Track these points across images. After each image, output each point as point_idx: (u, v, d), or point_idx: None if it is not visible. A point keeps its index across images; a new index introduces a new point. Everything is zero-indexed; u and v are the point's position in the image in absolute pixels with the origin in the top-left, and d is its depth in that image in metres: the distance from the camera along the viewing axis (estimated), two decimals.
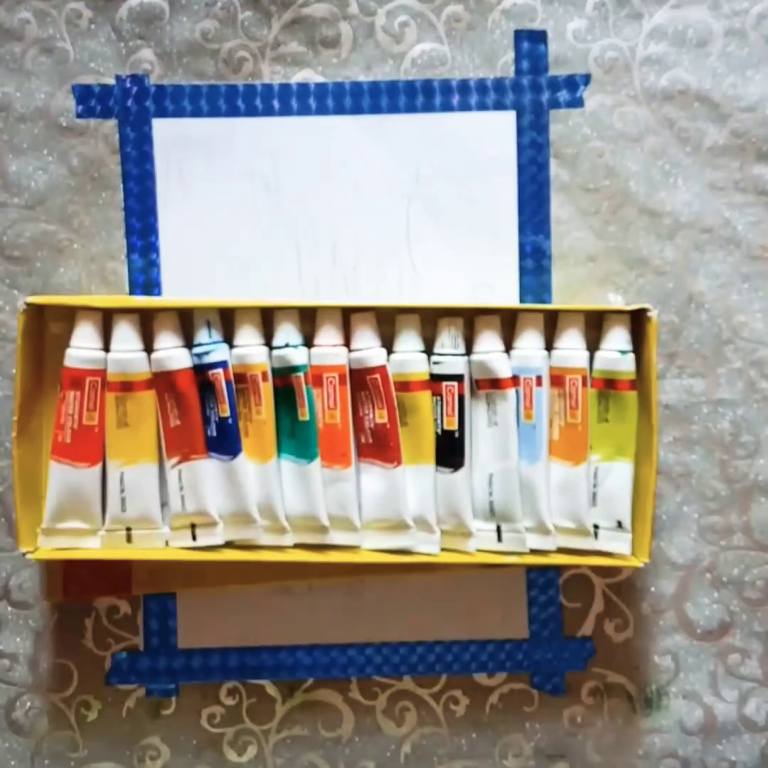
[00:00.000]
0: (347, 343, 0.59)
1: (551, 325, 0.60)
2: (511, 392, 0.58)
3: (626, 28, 0.61)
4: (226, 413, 0.58)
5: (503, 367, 0.58)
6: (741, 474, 0.63)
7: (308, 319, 0.59)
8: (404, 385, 0.58)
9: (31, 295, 0.60)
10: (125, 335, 0.58)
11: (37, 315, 0.59)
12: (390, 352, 0.59)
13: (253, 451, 0.59)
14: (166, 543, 0.59)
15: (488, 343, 0.59)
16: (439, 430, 0.59)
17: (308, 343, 0.59)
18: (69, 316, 0.58)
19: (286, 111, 0.61)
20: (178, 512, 0.58)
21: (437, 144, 0.61)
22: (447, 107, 0.61)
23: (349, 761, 0.64)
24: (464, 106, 0.61)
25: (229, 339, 0.59)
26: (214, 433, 0.59)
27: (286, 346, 0.58)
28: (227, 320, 0.59)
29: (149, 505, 0.59)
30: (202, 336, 0.58)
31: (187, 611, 0.63)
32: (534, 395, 0.58)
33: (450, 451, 0.59)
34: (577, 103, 0.61)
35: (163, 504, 0.59)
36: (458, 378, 0.58)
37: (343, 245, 0.62)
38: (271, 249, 0.62)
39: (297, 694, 0.63)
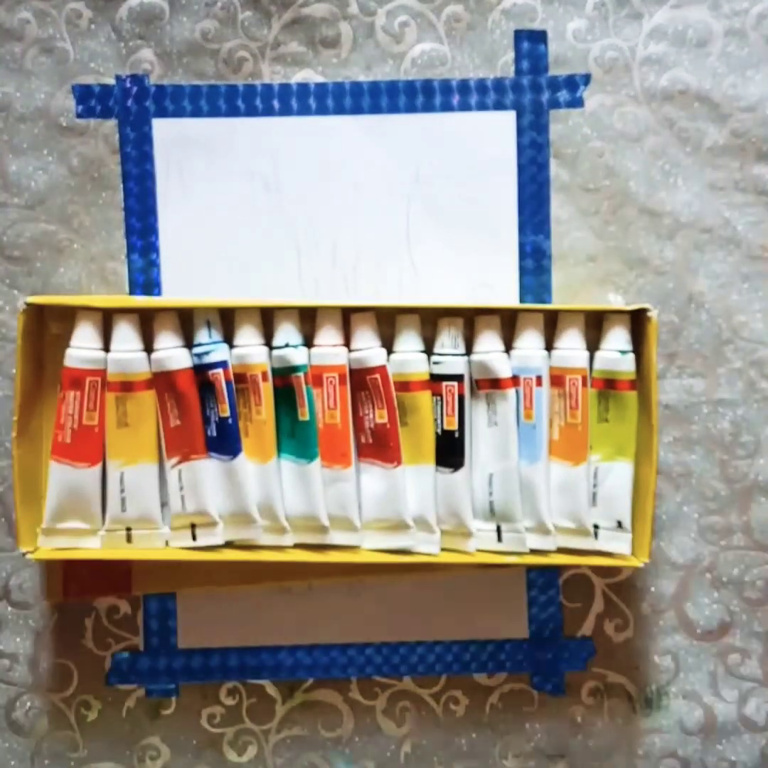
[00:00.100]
0: (347, 343, 0.59)
1: (551, 325, 0.60)
2: (511, 392, 0.58)
3: (626, 28, 0.61)
4: (226, 413, 0.58)
5: (503, 367, 0.58)
6: (741, 474, 0.63)
7: (308, 319, 0.59)
8: (404, 385, 0.58)
9: (31, 295, 0.60)
10: (125, 335, 0.58)
11: (37, 315, 0.59)
12: (390, 352, 0.59)
13: (253, 451, 0.59)
14: (166, 543, 0.59)
15: (488, 343, 0.59)
16: (439, 430, 0.59)
17: (308, 343, 0.59)
18: (69, 316, 0.58)
19: (286, 111, 0.61)
20: (178, 512, 0.58)
21: (437, 144, 0.61)
22: (447, 107, 0.61)
23: (349, 761, 0.64)
24: (464, 106, 0.61)
25: (229, 339, 0.59)
26: (214, 433, 0.59)
27: (286, 346, 0.58)
28: (227, 320, 0.59)
29: (149, 505, 0.59)
30: (202, 336, 0.58)
31: (187, 611, 0.63)
32: (534, 395, 0.58)
33: (450, 451, 0.59)
34: (577, 103, 0.61)
35: (163, 504, 0.59)
36: (458, 378, 0.58)
37: (343, 245, 0.62)
38: (271, 249, 0.62)
39: (297, 694, 0.63)
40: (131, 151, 0.61)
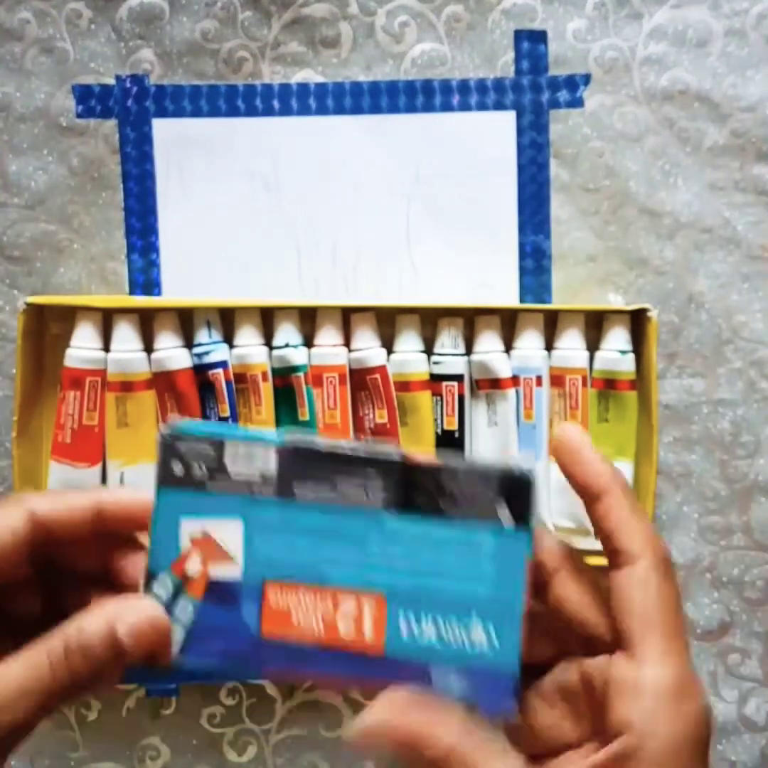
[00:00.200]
0: (347, 343, 0.59)
1: (551, 325, 0.60)
2: (511, 392, 0.58)
3: (626, 28, 0.61)
4: (226, 413, 0.58)
5: (503, 367, 0.58)
6: (741, 474, 0.63)
7: (308, 319, 0.59)
8: (404, 385, 0.58)
9: (31, 295, 0.60)
10: (125, 335, 0.58)
11: (37, 315, 0.59)
12: (390, 352, 0.59)
13: None
14: None
15: (488, 343, 0.59)
16: (439, 430, 0.59)
17: (308, 343, 0.59)
18: (69, 316, 0.59)
19: (286, 111, 0.61)
20: None
21: (437, 144, 0.61)
22: (447, 107, 0.61)
23: (349, 761, 0.64)
24: (464, 106, 0.61)
25: (229, 339, 0.59)
26: None
27: (286, 346, 0.58)
28: (227, 320, 0.59)
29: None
30: (202, 336, 0.58)
31: None
32: (534, 395, 0.58)
33: (450, 451, 0.59)
34: (577, 103, 0.61)
35: None
36: (458, 378, 0.59)
37: (343, 245, 0.62)
38: (271, 249, 0.62)
39: (297, 694, 0.63)
40: (131, 151, 0.61)
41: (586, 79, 0.61)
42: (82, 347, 0.58)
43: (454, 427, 0.59)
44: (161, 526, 0.35)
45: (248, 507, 0.35)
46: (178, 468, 0.35)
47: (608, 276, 0.62)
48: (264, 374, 0.58)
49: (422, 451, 0.58)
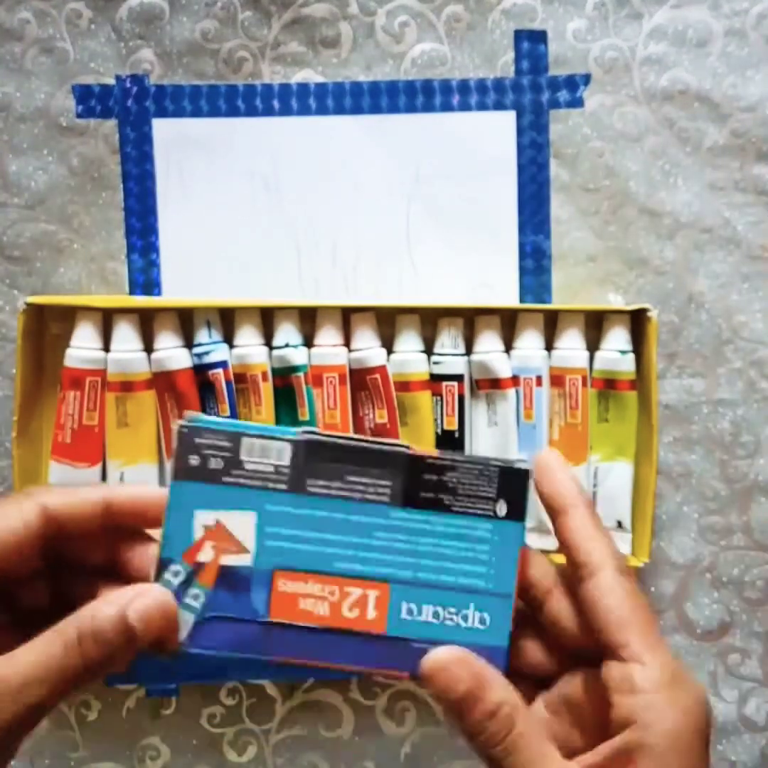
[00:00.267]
0: (347, 343, 0.59)
1: (551, 325, 0.60)
2: (511, 392, 0.58)
3: (626, 28, 0.61)
4: (226, 413, 0.58)
5: (503, 367, 0.58)
6: (741, 474, 0.63)
7: (308, 319, 0.59)
8: (404, 385, 0.58)
9: (31, 295, 0.60)
10: (125, 335, 0.58)
11: (37, 315, 0.59)
12: (390, 352, 0.59)
13: None
14: None
15: (488, 343, 0.59)
16: (439, 430, 0.59)
17: (308, 343, 0.59)
18: (69, 316, 0.58)
19: (286, 111, 0.61)
20: None
21: (437, 144, 0.61)
22: (447, 107, 0.61)
23: (349, 761, 0.64)
24: (464, 106, 0.61)
25: (229, 339, 0.59)
26: None
27: (286, 346, 0.58)
28: (227, 320, 0.59)
29: None
30: (202, 336, 0.58)
31: None
32: (534, 395, 0.58)
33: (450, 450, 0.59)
34: (577, 103, 0.61)
35: None
36: (458, 378, 0.59)
37: (343, 245, 0.62)
38: (271, 249, 0.62)
39: (297, 694, 0.63)
40: (131, 151, 0.61)
41: (586, 79, 0.61)
42: (82, 347, 0.58)
43: (454, 427, 0.59)
44: (175, 516, 0.36)
45: (261, 499, 0.36)
46: (194, 461, 0.36)
47: (608, 276, 0.62)
48: (264, 374, 0.58)
49: (425, 446, 0.58)
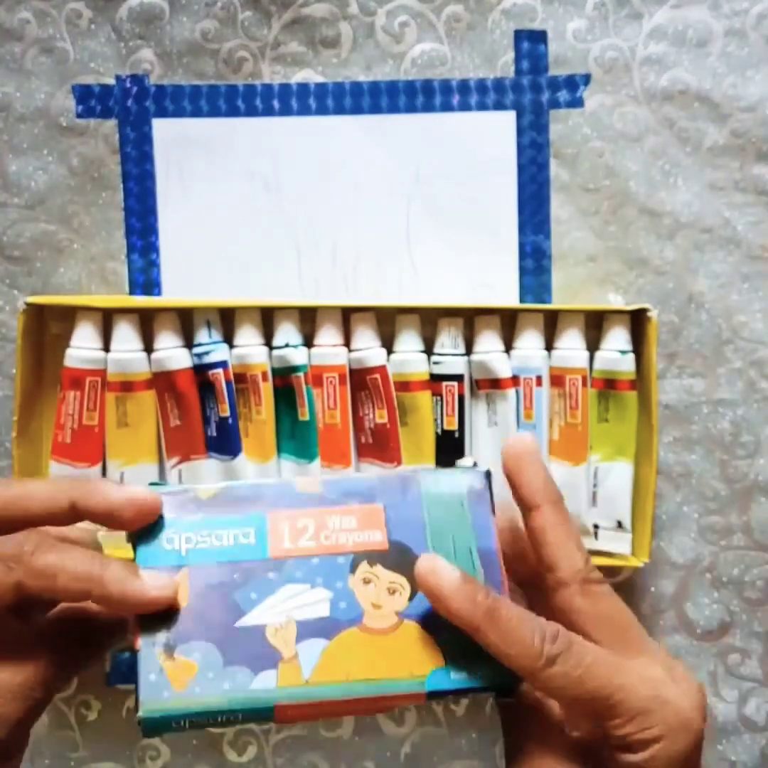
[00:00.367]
0: (347, 343, 0.59)
1: (551, 325, 0.60)
2: (511, 392, 0.58)
3: (626, 28, 0.61)
4: (226, 413, 0.58)
5: (503, 367, 0.58)
6: (741, 474, 0.63)
7: (308, 319, 0.59)
8: (404, 385, 0.58)
9: (31, 295, 0.60)
10: (125, 335, 0.58)
11: (37, 315, 0.59)
12: (390, 352, 0.59)
13: (253, 451, 0.59)
14: None
15: (488, 343, 0.59)
16: (439, 430, 0.59)
17: (308, 343, 0.59)
18: (69, 316, 0.59)
19: (286, 111, 0.61)
20: None
21: (437, 144, 0.61)
22: (447, 107, 0.61)
23: (349, 761, 0.64)
24: (464, 106, 0.61)
25: (229, 339, 0.59)
26: (214, 433, 0.59)
27: (286, 346, 0.58)
28: (227, 320, 0.59)
29: None
30: (202, 336, 0.58)
31: None
32: (534, 395, 0.58)
33: (450, 451, 0.59)
34: (577, 103, 0.61)
35: None
36: (458, 378, 0.59)
37: (343, 245, 0.62)
38: (271, 249, 0.62)
39: None
40: (131, 151, 0.61)
41: (586, 79, 0.61)
42: (82, 347, 0.58)
43: (454, 427, 0.59)
44: None
45: None
46: None
47: (608, 276, 0.62)
48: (264, 374, 0.58)
49: (426, 448, 0.58)
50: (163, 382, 0.58)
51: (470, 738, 0.64)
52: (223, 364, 0.58)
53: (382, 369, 0.58)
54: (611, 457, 0.59)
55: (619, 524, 0.59)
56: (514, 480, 0.40)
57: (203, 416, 0.58)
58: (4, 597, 0.35)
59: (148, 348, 0.58)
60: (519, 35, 0.61)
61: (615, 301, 0.61)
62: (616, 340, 0.59)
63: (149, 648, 0.37)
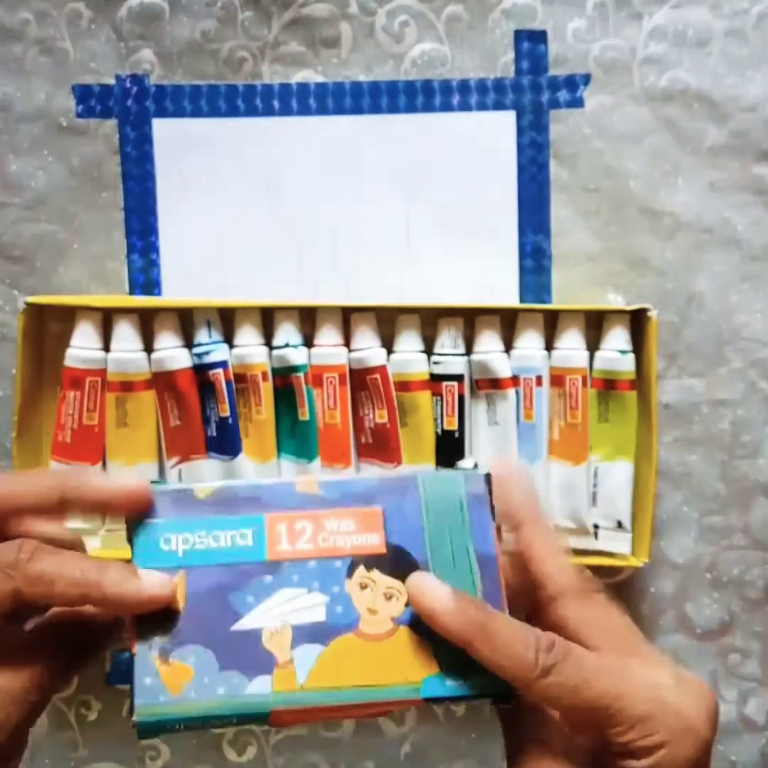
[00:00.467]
0: (347, 344, 0.59)
1: (551, 325, 0.60)
2: (511, 392, 0.58)
3: (626, 28, 0.61)
4: (226, 413, 0.58)
5: (503, 367, 0.58)
6: (741, 474, 0.63)
7: (308, 319, 0.59)
8: (404, 385, 0.58)
9: (31, 295, 0.60)
10: (125, 335, 0.58)
11: (37, 315, 0.59)
12: (390, 352, 0.59)
13: (253, 451, 0.59)
14: None
15: (488, 343, 0.59)
16: (439, 430, 0.59)
17: (308, 343, 0.59)
18: (69, 316, 0.58)
19: (286, 111, 0.61)
20: None
21: (437, 144, 0.61)
22: (447, 107, 0.61)
23: (349, 761, 0.64)
24: (464, 106, 0.61)
25: (229, 339, 0.59)
26: (214, 433, 0.59)
27: (287, 346, 0.58)
28: (227, 320, 0.59)
29: None
30: (202, 336, 0.58)
31: None
32: (534, 395, 0.58)
33: (450, 451, 0.59)
34: (577, 103, 0.61)
35: None
36: (458, 378, 0.59)
37: (343, 245, 0.62)
38: (271, 249, 0.61)
39: None
40: (131, 151, 0.61)
41: (586, 79, 0.61)
42: (82, 347, 0.58)
43: (454, 427, 0.59)
44: None
45: None
46: None
47: (608, 276, 0.62)
48: (264, 374, 0.58)
49: (426, 448, 0.58)
50: (163, 382, 0.58)
51: (470, 738, 0.64)
52: (223, 364, 0.58)
53: (382, 369, 0.58)
54: (611, 457, 0.59)
55: (619, 524, 0.59)
56: (498, 498, 0.40)
57: (203, 416, 0.58)
58: (2, 604, 0.35)
59: (148, 348, 0.58)
60: (519, 35, 0.61)
61: (615, 301, 0.61)
62: (616, 340, 0.59)
63: (145, 652, 0.38)
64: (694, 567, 0.63)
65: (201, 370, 0.58)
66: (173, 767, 0.63)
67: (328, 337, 0.58)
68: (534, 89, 0.61)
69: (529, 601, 0.40)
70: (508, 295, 0.62)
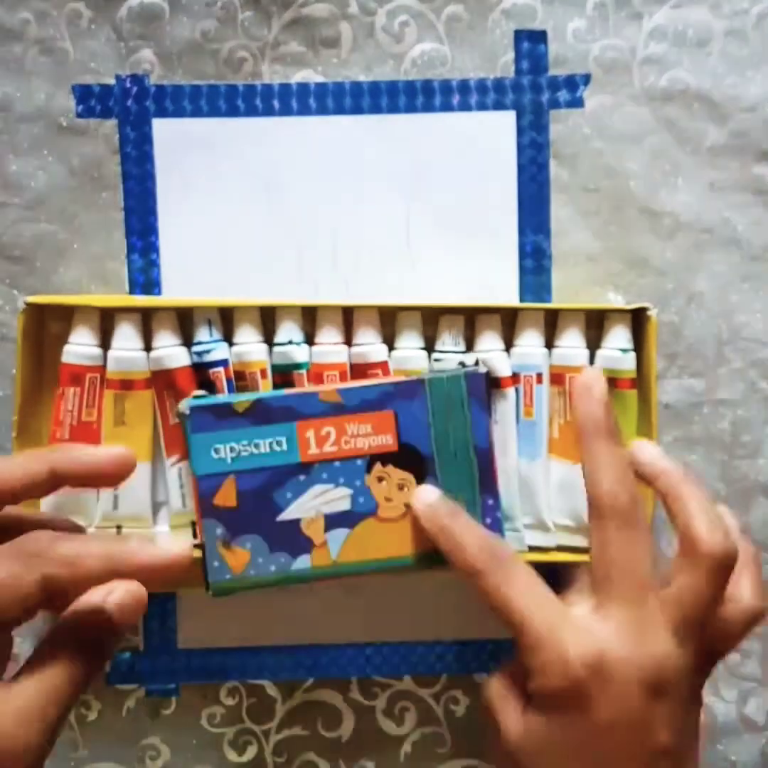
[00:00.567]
0: (348, 343, 0.59)
1: (551, 324, 0.60)
2: (510, 391, 0.58)
3: (626, 28, 0.61)
4: None
5: (503, 366, 0.58)
6: (741, 474, 0.63)
7: (308, 319, 0.59)
8: None
9: (31, 295, 0.60)
10: (125, 334, 0.58)
11: (37, 315, 0.59)
12: (391, 349, 0.59)
13: None
14: None
15: (488, 343, 0.59)
16: None
17: (309, 342, 0.59)
18: (69, 315, 0.58)
19: (286, 111, 0.61)
20: (179, 510, 0.58)
21: (437, 144, 0.61)
22: (447, 107, 0.61)
23: (349, 761, 0.63)
24: (464, 106, 0.61)
25: (229, 338, 0.59)
26: None
27: (290, 343, 0.58)
28: (227, 320, 0.59)
29: (141, 504, 0.58)
30: (202, 335, 0.58)
31: (187, 611, 0.63)
32: (534, 392, 0.58)
33: None
34: (577, 103, 0.61)
35: (162, 503, 0.59)
36: None
37: (343, 245, 0.62)
38: (271, 249, 0.62)
39: (297, 694, 0.63)
40: (131, 151, 0.61)
41: (586, 79, 0.61)
42: (82, 344, 0.58)
43: None
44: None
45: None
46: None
47: (608, 276, 0.62)
48: (263, 371, 0.58)
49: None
50: (162, 380, 0.58)
51: (470, 738, 0.64)
52: (223, 363, 0.58)
53: (383, 365, 0.58)
54: None
55: None
56: (575, 408, 0.46)
57: None
58: (34, 595, 0.35)
59: (149, 348, 0.58)
60: (519, 35, 0.61)
61: (615, 300, 0.61)
62: (617, 338, 0.59)
63: (211, 541, 0.48)
64: None
65: (201, 368, 0.58)
66: (173, 767, 0.63)
67: (328, 335, 0.58)
68: (534, 89, 0.61)
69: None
70: (508, 295, 0.62)
